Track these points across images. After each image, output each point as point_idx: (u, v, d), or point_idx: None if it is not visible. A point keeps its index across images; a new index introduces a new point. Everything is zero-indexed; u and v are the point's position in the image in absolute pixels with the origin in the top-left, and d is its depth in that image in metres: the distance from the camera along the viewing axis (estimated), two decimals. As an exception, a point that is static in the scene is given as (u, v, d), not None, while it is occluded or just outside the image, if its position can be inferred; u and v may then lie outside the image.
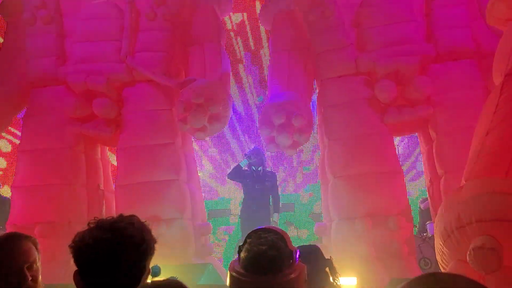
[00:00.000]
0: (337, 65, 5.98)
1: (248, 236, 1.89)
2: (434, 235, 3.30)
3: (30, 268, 2.04)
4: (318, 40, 6.12)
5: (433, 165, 5.71)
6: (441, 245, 3.13)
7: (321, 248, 5.48)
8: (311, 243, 3.88)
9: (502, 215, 2.81)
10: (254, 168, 6.73)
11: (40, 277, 2.11)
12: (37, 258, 2.11)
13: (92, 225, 1.62)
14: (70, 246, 1.61)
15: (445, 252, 3.13)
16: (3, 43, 6.76)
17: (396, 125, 5.80)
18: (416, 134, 6.68)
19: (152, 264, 1.74)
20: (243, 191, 6.90)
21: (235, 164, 7.74)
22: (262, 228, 1.93)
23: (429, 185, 6.00)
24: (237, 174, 6.89)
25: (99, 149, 6.69)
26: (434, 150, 5.67)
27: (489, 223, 2.81)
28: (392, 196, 5.46)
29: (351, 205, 5.46)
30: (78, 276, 1.60)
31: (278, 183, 7.50)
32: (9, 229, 5.80)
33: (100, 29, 6.25)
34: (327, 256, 3.02)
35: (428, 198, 6.23)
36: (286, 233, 1.92)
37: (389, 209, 5.36)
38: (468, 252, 2.83)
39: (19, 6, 6.46)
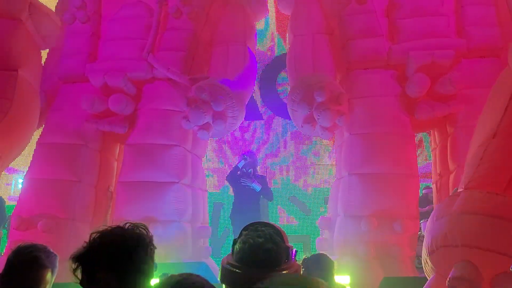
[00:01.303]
0: (367, 55, 5.76)
1: (245, 228, 1.84)
2: (423, 243, 3.34)
3: None
4: (350, 25, 5.88)
5: (445, 160, 5.57)
6: (426, 256, 3.21)
7: (321, 241, 5.62)
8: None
9: (486, 244, 2.80)
10: (245, 170, 6.66)
11: None
12: (49, 283, 2.24)
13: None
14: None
15: (428, 263, 3.22)
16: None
17: (419, 122, 5.64)
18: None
19: None
20: (234, 192, 6.82)
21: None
22: (260, 222, 1.88)
23: (438, 179, 5.88)
24: (233, 176, 6.84)
25: (117, 150, 6.54)
26: (449, 144, 5.54)
27: (473, 250, 2.83)
28: (402, 200, 5.29)
29: (359, 204, 5.31)
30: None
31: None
32: (13, 220, 5.70)
33: (128, 28, 6.26)
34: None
35: (434, 192, 6.15)
36: (283, 230, 1.86)
37: (397, 212, 5.20)
38: (448, 280, 2.88)
39: (65, 6, 6.71)
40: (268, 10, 6.96)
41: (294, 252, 1.79)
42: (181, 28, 6.12)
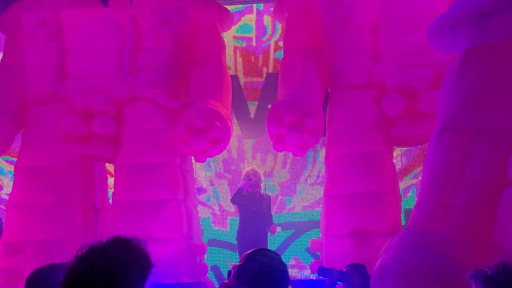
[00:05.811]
0: (349, 74, 5.82)
1: (251, 254, 2.00)
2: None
3: None
4: (334, 44, 5.93)
5: None
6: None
7: (315, 263, 5.69)
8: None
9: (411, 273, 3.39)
10: (251, 190, 6.44)
11: None
12: None
13: (79, 254, 1.60)
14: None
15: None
16: (2, 59, 6.73)
17: (404, 137, 5.71)
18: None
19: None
20: (240, 213, 6.66)
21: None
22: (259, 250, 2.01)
23: None
24: (238, 197, 6.62)
25: (96, 166, 6.56)
26: None
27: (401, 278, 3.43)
28: (382, 215, 5.36)
29: (339, 223, 5.42)
30: None
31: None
32: (1, 247, 5.68)
33: (101, 46, 6.19)
34: None
35: None
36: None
37: (377, 228, 5.27)
38: None
39: (18, 22, 6.42)
40: (232, 16, 7.00)
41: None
42: (161, 48, 6.15)
